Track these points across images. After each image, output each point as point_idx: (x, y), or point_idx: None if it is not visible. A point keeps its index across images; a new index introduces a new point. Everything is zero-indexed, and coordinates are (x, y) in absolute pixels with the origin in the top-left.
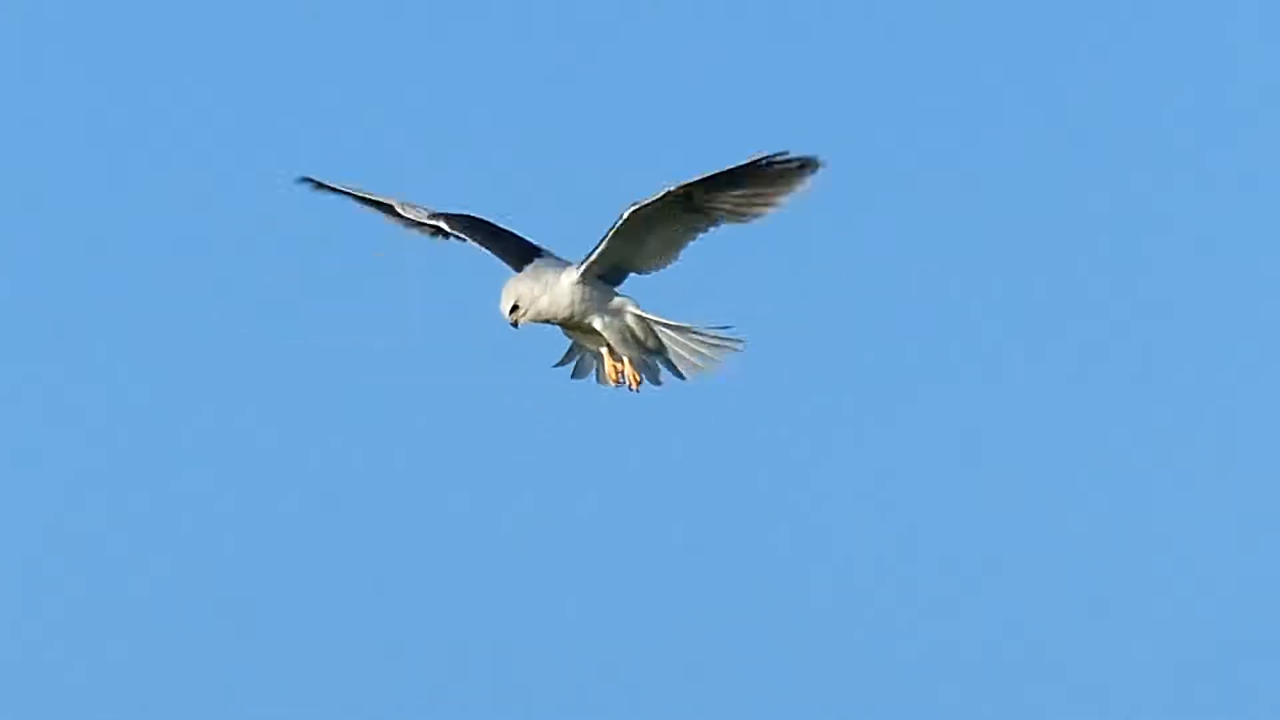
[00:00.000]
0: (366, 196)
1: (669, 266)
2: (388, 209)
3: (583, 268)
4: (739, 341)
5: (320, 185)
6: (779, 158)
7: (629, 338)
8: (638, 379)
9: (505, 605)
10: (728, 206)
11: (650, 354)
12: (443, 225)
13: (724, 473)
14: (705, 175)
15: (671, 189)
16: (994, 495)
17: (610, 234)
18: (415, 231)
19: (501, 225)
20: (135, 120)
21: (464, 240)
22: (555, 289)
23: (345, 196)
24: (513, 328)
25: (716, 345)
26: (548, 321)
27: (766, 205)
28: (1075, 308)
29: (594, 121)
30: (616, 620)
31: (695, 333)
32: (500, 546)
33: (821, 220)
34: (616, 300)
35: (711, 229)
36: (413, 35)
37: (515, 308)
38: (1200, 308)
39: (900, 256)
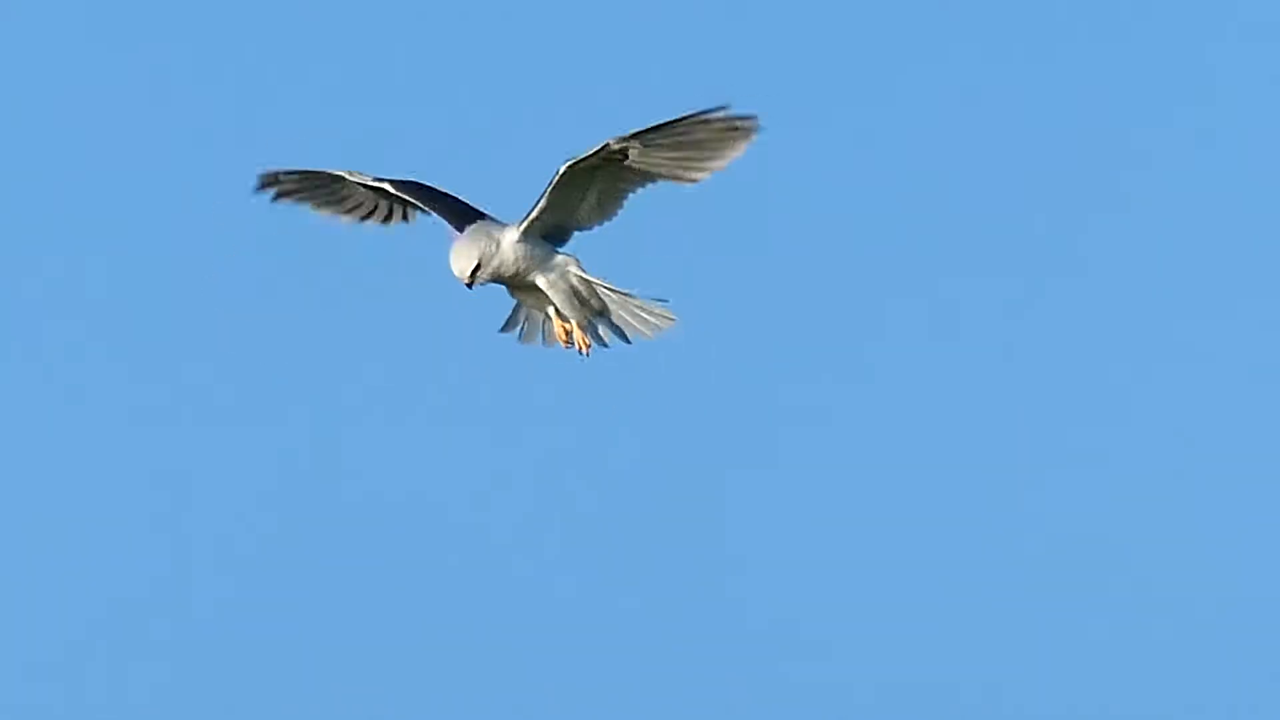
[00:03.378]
0: (313, 173)
1: (610, 221)
2: (338, 182)
3: (523, 226)
4: (671, 319)
5: (277, 190)
6: (714, 115)
7: (574, 299)
8: (587, 343)
9: (459, 580)
10: (664, 167)
11: (595, 315)
12: (388, 188)
13: (675, 441)
14: (640, 130)
15: (610, 143)
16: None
17: (548, 190)
18: (362, 219)
19: (444, 190)
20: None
21: (410, 205)
22: (501, 245)
23: (300, 191)
24: (467, 289)
25: (653, 315)
26: (497, 280)
27: (703, 168)
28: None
29: (530, 80)
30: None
31: (634, 301)
32: (454, 518)
33: (767, 185)
34: (559, 258)
35: (650, 185)
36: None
37: (478, 267)
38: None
39: (851, 222)
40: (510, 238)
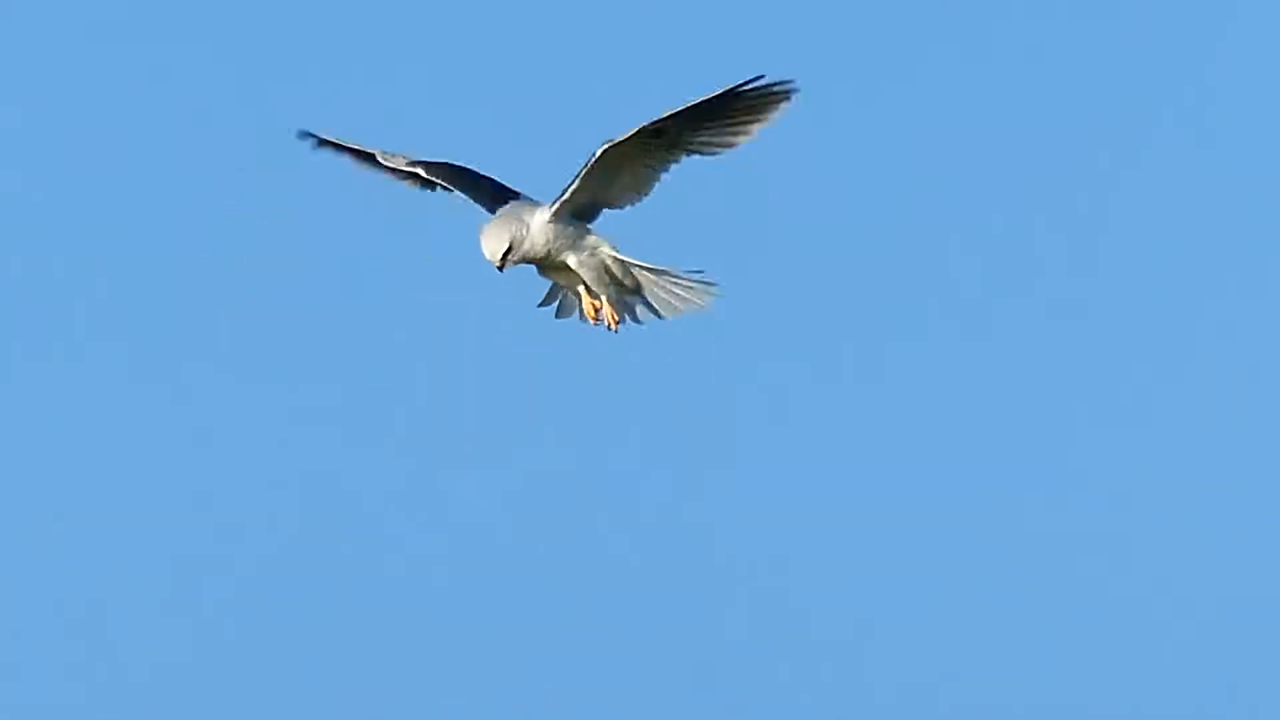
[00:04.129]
0: (355, 148)
1: (641, 201)
2: (371, 159)
3: (555, 206)
4: (714, 286)
5: (321, 141)
6: (754, 86)
7: (604, 276)
8: (616, 318)
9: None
10: (702, 140)
11: (628, 293)
12: (420, 172)
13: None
14: (680, 109)
15: (646, 125)
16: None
17: (583, 173)
18: (399, 181)
19: (477, 171)
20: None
21: (442, 187)
22: (531, 228)
23: (341, 151)
24: (498, 271)
25: (692, 289)
26: (528, 261)
27: (738, 135)
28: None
29: (561, 55)
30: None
31: (672, 275)
32: (484, 492)
33: (794, 153)
34: (591, 239)
35: (682, 161)
36: None
37: (509, 250)
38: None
39: (878, 188)
40: (541, 219)
